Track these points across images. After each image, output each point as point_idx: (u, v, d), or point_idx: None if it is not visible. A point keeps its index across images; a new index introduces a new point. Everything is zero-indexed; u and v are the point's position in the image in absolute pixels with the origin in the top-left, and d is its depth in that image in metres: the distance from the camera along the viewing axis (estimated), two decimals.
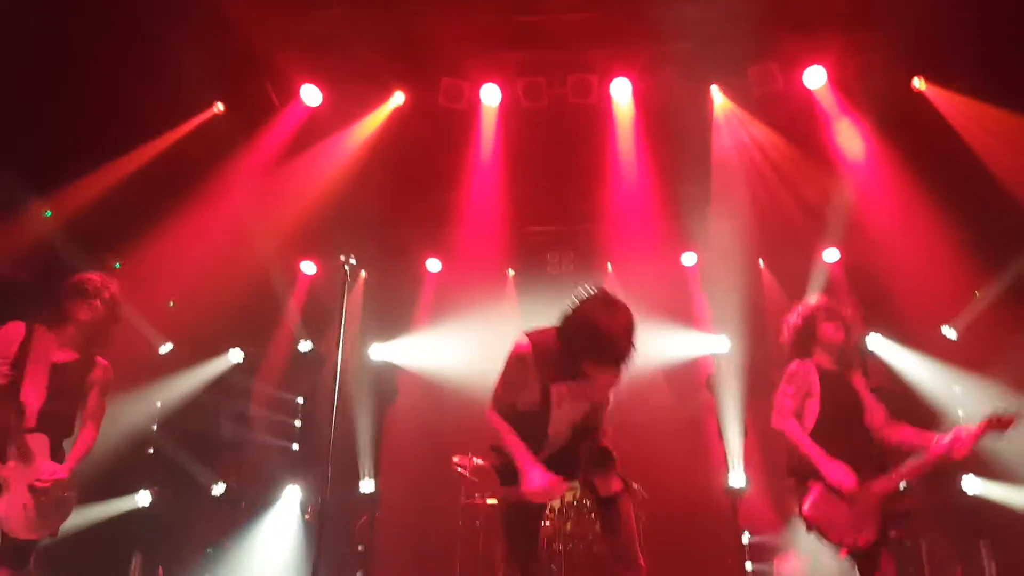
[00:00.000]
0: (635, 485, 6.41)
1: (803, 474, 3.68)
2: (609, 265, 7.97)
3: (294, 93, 6.77)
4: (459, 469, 6.75)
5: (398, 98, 6.81)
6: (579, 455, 3.31)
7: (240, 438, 8.26)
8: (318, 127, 6.89)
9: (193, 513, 7.65)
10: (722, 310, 7.29)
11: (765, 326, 7.10)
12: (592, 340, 2.90)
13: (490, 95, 6.71)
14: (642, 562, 3.20)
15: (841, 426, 3.73)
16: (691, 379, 7.78)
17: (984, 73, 5.53)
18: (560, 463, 3.24)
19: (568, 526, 6.54)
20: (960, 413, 6.54)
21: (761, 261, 7.82)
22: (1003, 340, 6.28)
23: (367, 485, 8.29)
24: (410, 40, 6.31)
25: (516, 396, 3.23)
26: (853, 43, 5.95)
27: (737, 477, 7.37)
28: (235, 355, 8.24)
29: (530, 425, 3.24)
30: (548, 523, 6.57)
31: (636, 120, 6.67)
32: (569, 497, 6.56)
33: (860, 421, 3.81)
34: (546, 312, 3.75)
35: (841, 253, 7.32)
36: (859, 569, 3.66)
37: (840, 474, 3.55)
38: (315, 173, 7.00)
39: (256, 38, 6.05)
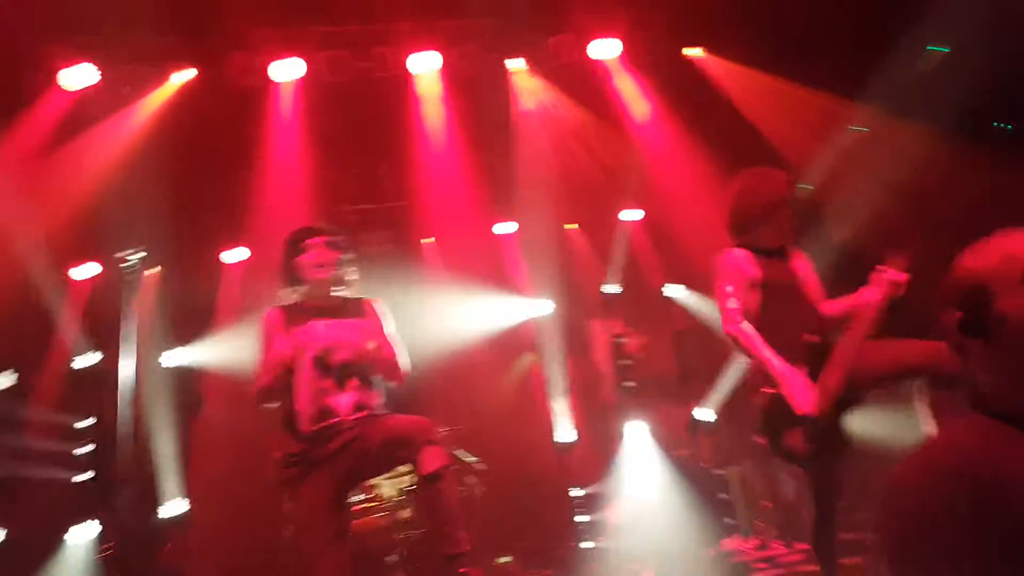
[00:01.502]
0: (471, 457, 6.53)
1: (755, 383, 3.42)
2: (428, 240, 7.93)
3: (62, 73, 5.92)
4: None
5: (185, 75, 6.21)
6: (394, 434, 3.27)
7: (13, 477, 7.09)
8: (91, 111, 6.09)
9: None
10: (541, 274, 7.56)
11: (579, 285, 7.51)
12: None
13: (287, 70, 6.33)
14: (465, 539, 3.19)
15: (786, 314, 3.42)
16: (516, 344, 8.00)
17: (754, 43, 6.26)
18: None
19: (405, 514, 6.46)
20: None
21: (570, 225, 8.21)
22: None
23: (175, 506, 7.53)
24: (194, 12, 5.80)
25: None
26: (640, 16, 6.44)
27: (564, 433, 7.72)
28: (4, 379, 7.05)
29: None
30: (384, 515, 6.43)
31: (444, 94, 6.69)
32: (406, 482, 6.48)
33: (805, 303, 3.52)
34: (364, 294, 3.71)
35: (642, 212, 7.89)
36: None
37: (802, 396, 3.22)
38: (91, 162, 6.18)
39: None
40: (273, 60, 6.25)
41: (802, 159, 6.61)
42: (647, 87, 6.69)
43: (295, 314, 3.48)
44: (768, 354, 3.29)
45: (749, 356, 3.37)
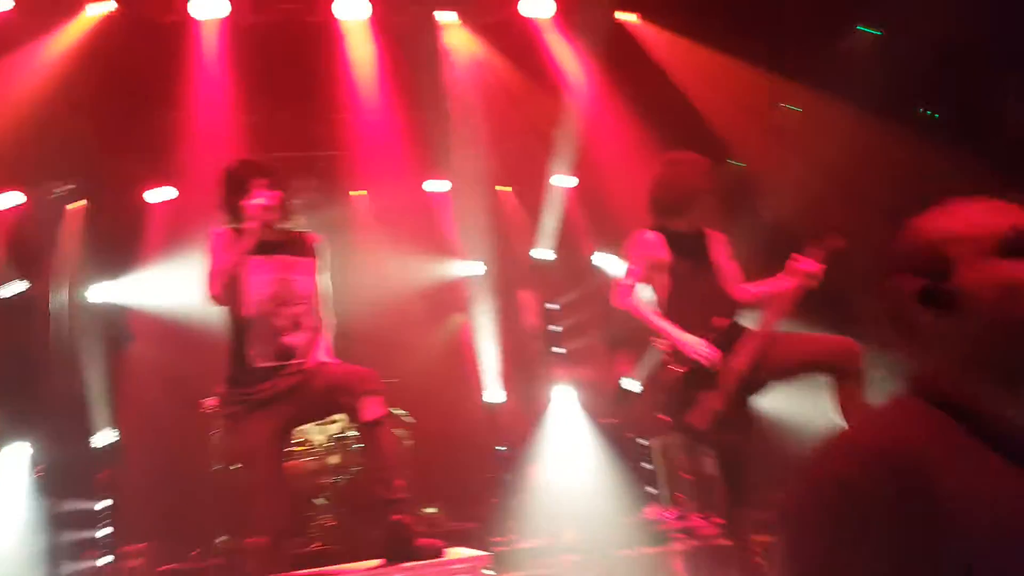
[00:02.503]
0: (400, 411, 6.61)
1: (664, 361, 3.48)
2: (354, 192, 7.84)
3: None
4: (209, 411, 6.44)
5: (103, 6, 6.05)
6: (338, 381, 3.34)
7: None
8: (7, 37, 5.96)
9: None
10: (472, 235, 7.50)
11: (511, 248, 7.43)
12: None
13: (209, 8, 6.16)
14: (401, 487, 3.28)
15: (695, 298, 3.47)
16: (446, 303, 7.99)
17: (690, 13, 6.07)
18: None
19: (333, 459, 6.58)
20: None
21: (502, 186, 8.11)
22: None
23: (104, 437, 7.65)
24: None
25: None
26: None
27: (493, 393, 7.76)
28: None
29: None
30: (313, 459, 6.55)
31: (375, 42, 6.53)
32: (335, 429, 6.57)
33: (716, 287, 3.56)
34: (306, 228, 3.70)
35: (573, 177, 7.77)
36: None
37: (697, 346, 3.30)
38: (8, 91, 6.08)
39: None
40: None
41: (733, 134, 6.50)
42: (580, 50, 6.50)
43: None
44: (661, 322, 3.39)
45: (645, 326, 3.47)
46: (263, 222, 3.41)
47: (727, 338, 3.42)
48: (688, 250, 3.58)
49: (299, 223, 3.69)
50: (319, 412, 3.75)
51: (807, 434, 5.67)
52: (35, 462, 7.24)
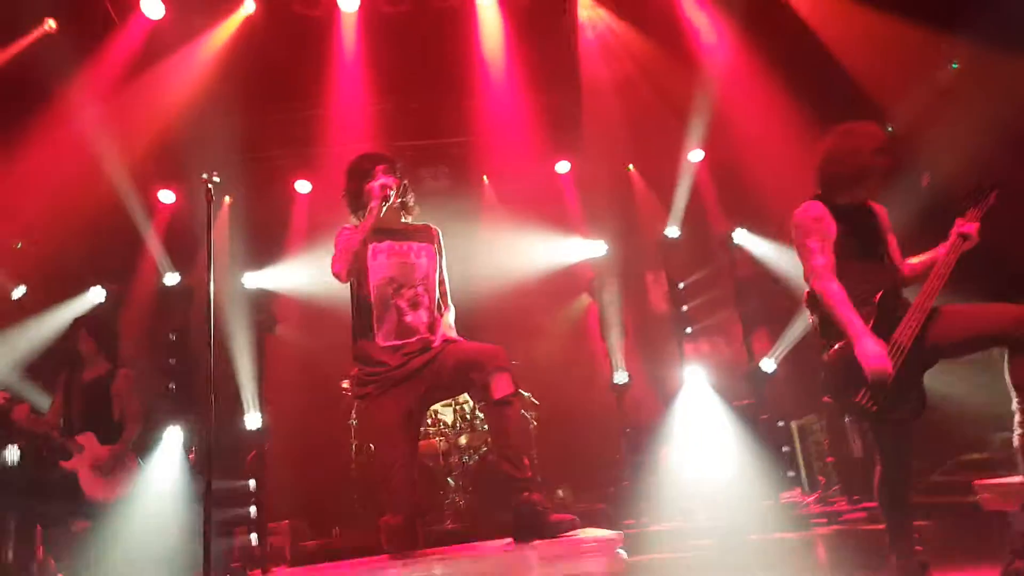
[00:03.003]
0: (525, 392, 6.63)
1: (832, 337, 3.30)
2: (485, 178, 7.91)
3: (133, 6, 6.24)
4: (348, 393, 6.70)
5: (248, 6, 6.39)
6: (468, 357, 3.33)
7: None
8: (163, 42, 6.41)
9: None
10: (597, 216, 7.39)
11: (638, 228, 7.27)
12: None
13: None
14: (528, 466, 3.24)
15: (860, 272, 3.30)
16: (571, 284, 7.92)
17: None
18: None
19: (463, 439, 6.70)
20: None
21: (631, 165, 7.94)
22: None
23: (253, 419, 8.10)
24: None
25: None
26: None
27: (620, 375, 7.63)
28: (96, 294, 7.75)
29: None
30: (443, 440, 6.69)
31: (504, 26, 6.53)
32: (465, 409, 6.67)
33: (882, 262, 3.40)
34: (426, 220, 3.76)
35: (706, 153, 7.48)
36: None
37: (875, 360, 3.10)
38: (165, 91, 6.54)
39: None
40: None
41: (891, 98, 6.03)
42: (715, 14, 6.22)
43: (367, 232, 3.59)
44: (851, 315, 3.19)
45: (832, 314, 3.25)
46: (384, 201, 3.50)
47: (891, 312, 3.23)
48: (855, 225, 3.39)
49: (419, 216, 3.73)
50: (450, 390, 3.71)
51: (974, 414, 5.21)
52: (189, 445, 7.79)
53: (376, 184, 3.50)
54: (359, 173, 3.60)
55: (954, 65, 6.06)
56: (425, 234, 3.66)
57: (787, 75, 6.37)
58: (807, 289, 3.38)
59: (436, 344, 3.45)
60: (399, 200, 3.61)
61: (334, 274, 3.46)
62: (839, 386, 3.23)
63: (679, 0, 6.42)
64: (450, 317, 3.62)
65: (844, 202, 3.39)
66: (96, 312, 7.36)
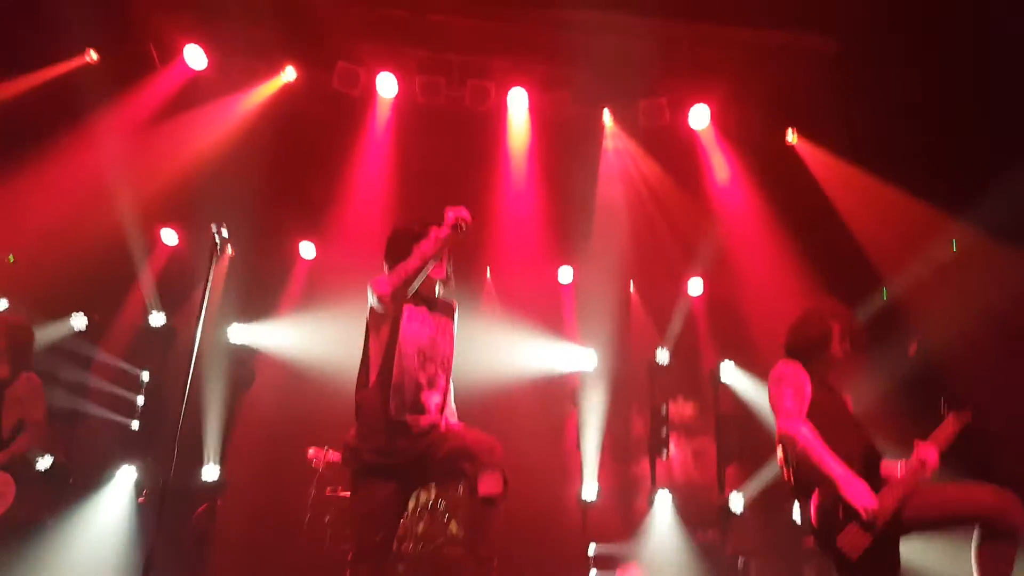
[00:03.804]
0: None
1: (807, 486, 3.29)
2: (488, 271, 8.00)
3: (177, 53, 6.41)
4: (312, 462, 6.57)
5: (289, 74, 6.58)
6: (464, 446, 3.21)
7: (74, 409, 7.64)
8: (200, 92, 6.57)
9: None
10: (591, 327, 7.47)
11: (629, 347, 7.34)
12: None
13: (387, 86, 6.60)
14: (495, 567, 3.13)
15: (835, 429, 3.29)
16: (558, 391, 7.93)
17: (848, 135, 5.99)
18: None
19: (420, 527, 6.52)
20: None
21: (632, 284, 8.09)
22: None
23: (210, 472, 7.89)
24: (307, 18, 6.15)
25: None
26: (736, 91, 6.30)
27: (590, 489, 7.57)
28: (78, 320, 7.64)
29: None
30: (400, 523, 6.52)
31: (530, 133, 6.77)
32: (424, 498, 6.53)
33: (858, 435, 3.40)
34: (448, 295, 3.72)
35: (705, 285, 7.68)
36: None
37: (862, 495, 3.07)
38: (191, 138, 6.65)
39: None
40: (375, 74, 6.53)
41: (890, 265, 6.28)
42: (734, 160, 6.50)
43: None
44: (827, 457, 3.17)
45: (808, 459, 3.21)
46: (458, 232, 3.33)
47: (869, 468, 3.26)
48: (826, 394, 3.45)
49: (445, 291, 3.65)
50: (441, 476, 3.60)
51: None
52: (140, 487, 7.55)
53: (453, 214, 3.33)
54: (411, 235, 3.44)
55: (954, 244, 6.33)
56: (449, 309, 3.52)
57: (793, 225, 6.62)
58: (779, 441, 3.38)
59: (442, 428, 3.31)
60: (447, 272, 3.49)
61: (378, 295, 3.26)
62: (823, 528, 3.20)
63: (700, 140, 6.68)
64: (452, 400, 3.50)
65: (816, 373, 3.42)
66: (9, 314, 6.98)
